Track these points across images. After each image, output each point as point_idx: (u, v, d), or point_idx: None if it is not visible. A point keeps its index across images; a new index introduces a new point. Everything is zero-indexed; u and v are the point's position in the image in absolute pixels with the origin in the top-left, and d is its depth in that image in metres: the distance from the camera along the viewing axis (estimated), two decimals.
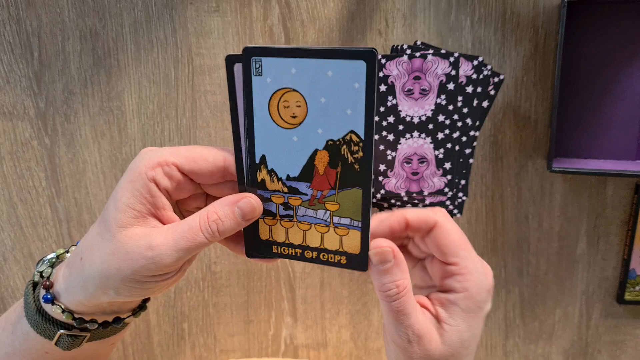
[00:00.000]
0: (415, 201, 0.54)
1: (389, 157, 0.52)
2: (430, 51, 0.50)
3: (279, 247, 0.33)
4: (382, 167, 0.52)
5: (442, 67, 0.50)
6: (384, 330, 0.34)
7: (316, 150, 0.30)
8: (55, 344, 0.34)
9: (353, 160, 0.30)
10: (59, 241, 0.58)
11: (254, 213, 0.31)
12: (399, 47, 0.52)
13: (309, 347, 0.64)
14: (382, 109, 0.50)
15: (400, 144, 0.52)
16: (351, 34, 0.53)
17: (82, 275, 0.32)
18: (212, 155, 0.32)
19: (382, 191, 0.52)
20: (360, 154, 0.29)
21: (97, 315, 0.35)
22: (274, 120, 0.30)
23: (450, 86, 0.50)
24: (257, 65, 0.29)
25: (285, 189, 0.31)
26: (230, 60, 0.30)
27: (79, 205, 0.57)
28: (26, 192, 0.57)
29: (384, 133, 0.51)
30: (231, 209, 0.31)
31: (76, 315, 0.34)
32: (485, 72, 0.50)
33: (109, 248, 0.31)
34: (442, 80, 0.50)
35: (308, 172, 0.30)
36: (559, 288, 0.61)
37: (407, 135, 0.51)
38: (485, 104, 0.52)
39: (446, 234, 0.33)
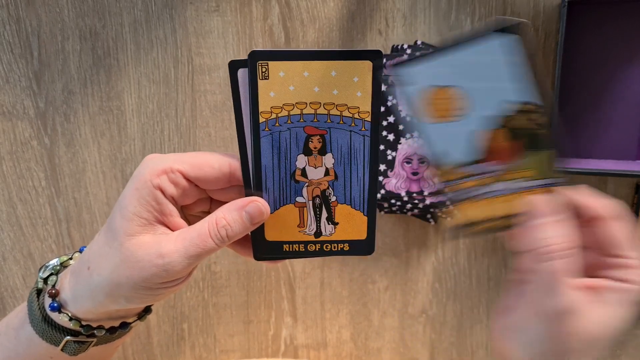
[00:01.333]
0: (416, 201, 0.54)
1: (389, 157, 0.52)
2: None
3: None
4: (382, 167, 0.52)
5: None
6: (528, 305, 0.32)
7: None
8: (62, 349, 0.34)
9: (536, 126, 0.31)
10: (59, 241, 0.58)
11: (262, 217, 0.32)
12: (399, 47, 0.52)
13: (309, 347, 0.64)
14: (382, 108, 0.50)
15: (400, 143, 0.52)
16: (351, 34, 0.53)
17: (90, 285, 0.32)
18: (218, 161, 0.32)
19: (382, 191, 0.52)
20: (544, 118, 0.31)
21: (104, 321, 0.35)
22: None
23: None
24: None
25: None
26: (234, 66, 0.30)
27: (78, 205, 0.57)
28: (26, 192, 0.57)
29: (384, 133, 0.51)
30: (239, 213, 0.31)
31: (83, 323, 0.34)
32: None
33: (118, 257, 0.30)
34: None
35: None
36: None
37: (408, 135, 0.51)
38: None
39: (622, 228, 0.32)
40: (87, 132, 0.55)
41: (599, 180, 0.57)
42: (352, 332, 0.63)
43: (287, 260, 0.60)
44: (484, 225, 0.33)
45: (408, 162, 0.53)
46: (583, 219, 0.32)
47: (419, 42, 0.52)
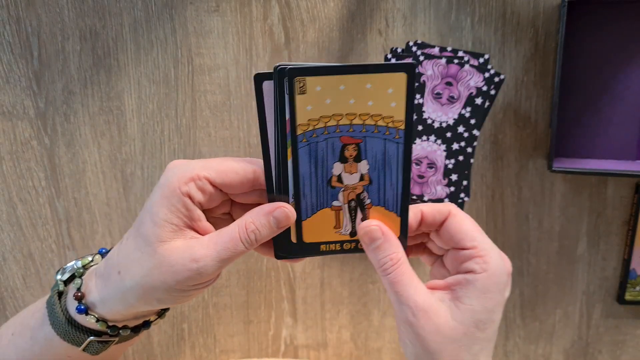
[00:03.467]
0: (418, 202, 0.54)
1: None
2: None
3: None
4: None
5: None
6: (395, 316, 0.35)
7: None
8: (84, 349, 0.35)
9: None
10: (59, 241, 0.58)
11: (289, 221, 0.33)
12: (396, 49, 0.52)
13: (309, 348, 0.64)
14: None
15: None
16: (351, 34, 0.53)
17: (122, 288, 0.33)
18: (242, 167, 0.33)
19: None
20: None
21: (129, 321, 0.36)
22: None
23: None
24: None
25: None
26: (260, 78, 0.31)
27: (78, 205, 0.57)
28: (26, 192, 0.57)
29: None
30: (267, 219, 0.33)
31: (110, 323, 0.35)
32: (491, 72, 0.51)
33: (151, 262, 0.32)
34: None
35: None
36: (560, 288, 0.61)
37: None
38: (485, 104, 0.52)
39: (461, 221, 0.34)
40: (87, 132, 0.55)
41: (599, 180, 0.57)
42: (352, 332, 0.63)
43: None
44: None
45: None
46: (437, 224, 0.35)
47: (410, 44, 0.51)
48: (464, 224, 0.34)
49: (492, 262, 0.33)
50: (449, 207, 0.35)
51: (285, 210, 0.33)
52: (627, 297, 0.59)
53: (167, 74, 0.54)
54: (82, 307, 0.34)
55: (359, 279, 0.61)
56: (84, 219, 0.58)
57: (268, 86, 0.32)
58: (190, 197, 0.32)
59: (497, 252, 0.34)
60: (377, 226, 0.33)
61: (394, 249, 0.33)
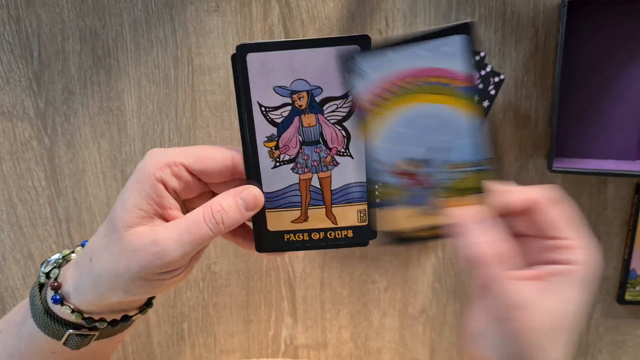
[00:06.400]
0: None
1: None
2: None
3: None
4: None
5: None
6: (476, 312, 0.32)
7: None
8: (64, 343, 0.34)
9: None
10: (59, 241, 0.58)
11: (256, 202, 0.32)
12: None
13: (309, 348, 0.64)
14: None
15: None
16: (351, 34, 0.53)
17: (92, 276, 0.32)
18: (220, 154, 0.32)
19: None
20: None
21: (106, 314, 0.35)
22: None
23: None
24: None
25: None
26: (243, 50, 0.30)
27: (78, 205, 0.57)
28: (26, 192, 0.57)
29: None
30: (234, 199, 0.31)
31: (85, 315, 0.34)
32: (487, 69, 0.51)
33: (117, 248, 0.31)
34: None
35: None
36: None
37: None
38: (485, 103, 0.52)
39: (558, 210, 0.31)
40: (87, 132, 0.55)
41: (599, 180, 0.57)
42: (352, 332, 0.63)
43: (287, 260, 0.60)
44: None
45: None
46: (519, 211, 0.32)
47: None
48: (556, 212, 0.31)
49: (591, 255, 0.31)
50: (539, 192, 0.31)
51: (253, 191, 0.32)
52: (627, 297, 0.59)
53: (167, 74, 0.54)
54: (58, 296, 0.33)
55: (359, 279, 0.61)
56: (84, 219, 0.58)
57: (254, 58, 0.30)
58: (164, 184, 0.31)
59: (590, 244, 0.32)
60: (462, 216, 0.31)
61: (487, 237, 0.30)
